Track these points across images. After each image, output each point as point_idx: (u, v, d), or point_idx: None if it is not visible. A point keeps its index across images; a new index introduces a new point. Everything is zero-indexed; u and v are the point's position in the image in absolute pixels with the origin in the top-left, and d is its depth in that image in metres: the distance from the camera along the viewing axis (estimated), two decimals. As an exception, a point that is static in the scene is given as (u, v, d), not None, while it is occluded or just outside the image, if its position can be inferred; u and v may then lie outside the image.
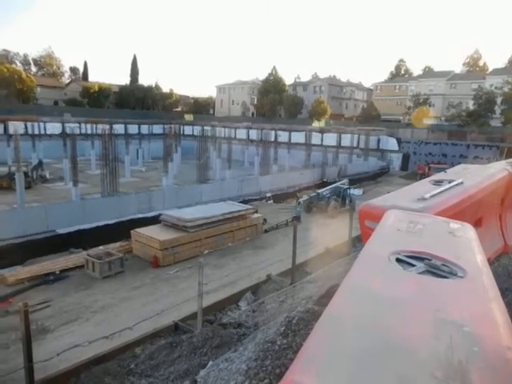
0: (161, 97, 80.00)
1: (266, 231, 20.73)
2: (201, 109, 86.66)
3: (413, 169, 41.89)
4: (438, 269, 2.21)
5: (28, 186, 25.88)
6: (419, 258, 2.35)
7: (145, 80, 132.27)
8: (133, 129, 48.98)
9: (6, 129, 41.31)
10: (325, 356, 1.34)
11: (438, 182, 5.27)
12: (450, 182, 5.10)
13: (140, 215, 19.84)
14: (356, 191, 28.89)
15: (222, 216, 18.43)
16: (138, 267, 15.59)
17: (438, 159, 41.81)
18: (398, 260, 2.28)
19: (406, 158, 44.80)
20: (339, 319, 1.59)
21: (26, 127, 40.97)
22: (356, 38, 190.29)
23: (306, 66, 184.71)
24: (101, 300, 12.63)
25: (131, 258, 16.24)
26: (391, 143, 45.98)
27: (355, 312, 1.65)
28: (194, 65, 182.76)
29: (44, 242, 16.46)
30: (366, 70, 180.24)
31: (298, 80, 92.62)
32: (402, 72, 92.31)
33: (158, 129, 52.75)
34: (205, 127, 38.13)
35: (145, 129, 53.31)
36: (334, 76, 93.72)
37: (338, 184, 26.70)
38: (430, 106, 66.36)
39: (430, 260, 2.31)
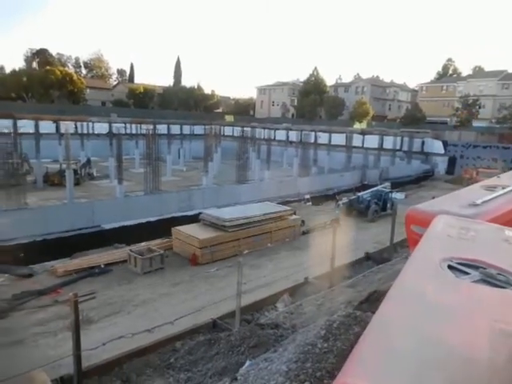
0: (202, 98, 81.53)
1: (303, 233, 20.57)
2: (241, 110, 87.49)
3: (459, 173, 40.02)
4: (493, 278, 2.10)
5: (77, 183, 27.18)
6: (473, 266, 2.24)
7: (187, 81, 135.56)
8: (175, 129, 50.17)
9: (57, 128, 43.66)
10: (377, 360, 1.31)
11: (491, 188, 5.00)
12: (503, 188, 4.83)
13: (180, 213, 20.30)
14: (398, 195, 27.98)
15: (261, 216, 18.49)
16: (177, 264, 15.95)
17: (487, 163, 39.72)
18: (450, 267, 2.19)
19: (452, 162, 42.89)
20: (390, 324, 1.54)
21: (76, 127, 43.05)
22: (402, 37, 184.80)
23: (348, 66, 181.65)
24: (141, 294, 13.05)
25: (171, 255, 16.64)
26: (436, 146, 44.19)
27: (407, 318, 1.60)
28: (236, 66, 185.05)
29: (90, 237, 17.23)
30: (410, 70, 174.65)
31: (339, 81, 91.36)
32: (450, 72, 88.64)
33: (199, 129, 53.76)
34: (245, 128, 38.44)
35: (186, 129, 54.51)
36: (377, 76, 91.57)
37: (379, 187, 26.03)
38: (479, 107, 63.20)
39: (484, 269, 2.20)
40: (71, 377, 5.83)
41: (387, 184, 27.31)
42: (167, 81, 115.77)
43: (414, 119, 65.26)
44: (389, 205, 24.33)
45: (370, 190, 25.53)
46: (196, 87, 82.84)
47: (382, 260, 13.80)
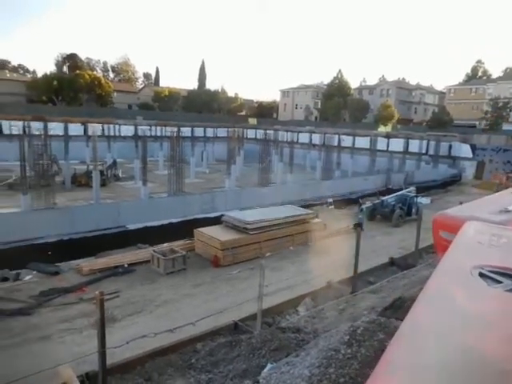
0: (226, 101, 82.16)
1: (326, 237, 20.36)
2: (264, 113, 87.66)
3: (488, 178, 38.76)
4: (528, 287, 2.00)
5: (103, 184, 27.80)
6: (506, 274, 2.15)
7: (212, 84, 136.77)
8: (199, 132, 50.75)
9: (85, 130, 44.94)
10: (407, 368, 1.27)
11: (523, 193, 4.81)
12: (537, 194, 4.63)
13: (203, 215, 20.46)
14: (423, 200, 27.35)
15: (283, 219, 18.42)
16: (199, 265, 16.07)
17: (518, 168, 38.35)
18: (482, 275, 2.11)
19: (480, 166, 41.58)
20: (421, 332, 1.50)
21: (103, 129, 44.19)
22: (430, 38, 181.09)
23: (373, 69, 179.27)
24: (164, 295, 13.20)
25: (193, 256, 16.77)
26: (464, 150, 42.95)
27: (438, 325, 1.55)
28: (260, 69, 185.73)
29: (115, 237, 17.59)
30: (438, 72, 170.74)
31: (363, 83, 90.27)
32: (480, 74, 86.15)
33: (222, 132, 54.20)
34: (267, 131, 38.49)
35: (210, 132, 55.04)
36: (403, 79, 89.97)
37: (404, 192, 25.52)
38: (510, 110, 61.14)
39: (518, 277, 2.10)
40: (96, 373, 5.95)
41: (412, 188, 26.73)
42: (192, 84, 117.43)
43: (440, 122, 63.73)
44: (414, 210, 23.81)
45: (394, 195, 25.07)
46: (220, 90, 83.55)
47: (406, 266, 13.51)
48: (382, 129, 59.71)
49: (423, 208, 23.78)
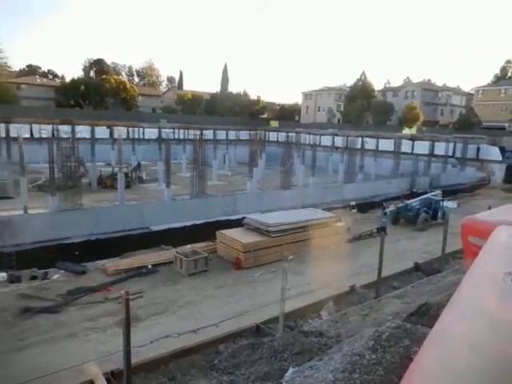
0: (248, 104, 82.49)
1: (348, 241, 20.13)
2: (286, 115, 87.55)
3: (518, 181, 37.43)
4: None
5: (127, 186, 28.38)
6: (540, 281, 2.07)
7: (234, 87, 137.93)
8: (221, 134, 51.18)
9: (111, 133, 46.06)
10: (438, 375, 1.24)
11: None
12: None
13: (225, 217, 20.58)
14: (450, 204, 26.67)
15: (305, 222, 18.32)
16: (220, 267, 16.17)
17: (550, 172, 36.89)
18: (515, 281, 2.04)
19: (510, 170, 40.19)
20: (451, 339, 1.46)
21: (127, 132, 45.17)
22: (457, 38, 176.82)
23: (398, 70, 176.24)
24: (186, 296, 13.33)
25: (215, 258, 16.88)
26: (493, 152, 41.60)
27: (469, 333, 1.51)
28: (282, 72, 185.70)
29: (139, 237, 17.90)
30: (465, 73, 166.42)
31: (388, 85, 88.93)
32: (509, 74, 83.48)
33: (244, 135, 54.45)
34: (289, 133, 38.39)
35: (232, 135, 55.44)
36: (429, 80, 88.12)
37: (429, 195, 24.96)
38: (542, 111, 58.94)
39: (554, 284, 2.02)
40: (121, 371, 6.07)
41: (438, 192, 26.11)
42: (214, 87, 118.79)
43: (468, 124, 62.00)
44: (439, 214, 23.28)
45: (419, 198, 24.56)
46: (242, 93, 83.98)
47: (432, 271, 13.18)
48: (406, 131, 58.61)
49: (449, 212, 23.30)
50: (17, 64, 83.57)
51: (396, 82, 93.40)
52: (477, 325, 1.57)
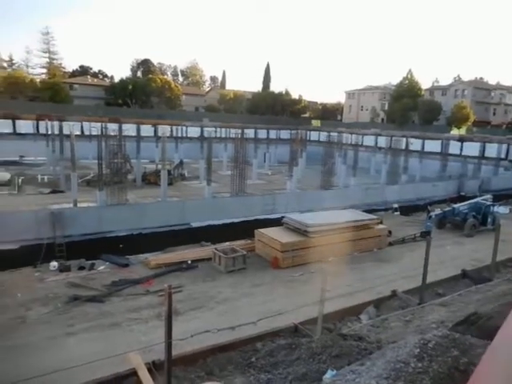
0: (290, 103, 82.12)
1: (390, 244, 19.57)
2: (328, 115, 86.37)
3: None
4: None
5: (170, 183, 29.09)
6: None
7: (276, 87, 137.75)
8: (262, 133, 51.33)
9: (155, 132, 47.49)
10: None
11: None
12: None
13: (263, 216, 20.63)
14: (501, 209, 25.25)
15: (344, 224, 17.99)
16: (258, 266, 16.24)
17: None
18: None
19: None
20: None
21: (171, 130, 46.35)
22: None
23: (447, 68, 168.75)
24: (224, 292, 13.51)
25: (253, 256, 16.98)
26: (552, 155, 38.90)
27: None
28: (324, 71, 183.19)
29: (180, 233, 18.34)
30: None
31: (436, 83, 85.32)
32: None
33: (285, 134, 54.33)
34: (331, 133, 37.84)
35: (273, 134, 55.48)
36: (481, 78, 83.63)
37: (478, 199, 23.73)
38: None
39: None
40: (162, 362, 6.24)
41: (488, 196, 24.77)
42: (256, 86, 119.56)
43: (523, 125, 58.22)
44: (489, 219, 22.11)
45: (467, 202, 23.44)
46: (284, 92, 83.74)
47: (480, 279, 12.51)
48: (455, 131, 55.98)
49: (501, 218, 22.02)
50: (70, 65, 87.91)
51: (445, 81, 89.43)
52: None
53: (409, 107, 66.01)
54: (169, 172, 29.99)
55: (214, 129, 48.12)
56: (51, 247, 15.29)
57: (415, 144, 41.82)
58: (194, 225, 19.08)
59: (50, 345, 9.71)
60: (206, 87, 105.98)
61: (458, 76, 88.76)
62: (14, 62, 78.44)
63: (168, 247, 17.33)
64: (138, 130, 37.03)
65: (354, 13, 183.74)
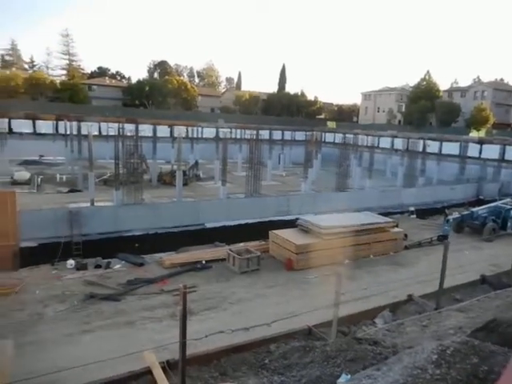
0: (305, 104, 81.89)
1: (406, 247, 19.31)
2: (344, 116, 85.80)
3: None
4: None
5: (185, 183, 29.26)
6: None
7: (291, 88, 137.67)
8: (277, 135, 51.26)
9: (171, 132, 47.90)
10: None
11: None
12: None
13: (278, 217, 20.58)
14: (522, 213, 24.64)
15: (359, 226, 17.83)
16: (272, 267, 16.21)
17: None
18: None
19: None
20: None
21: (187, 131, 46.69)
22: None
23: (467, 69, 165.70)
24: (238, 293, 13.53)
25: (267, 258, 16.96)
26: None
27: None
28: (340, 72, 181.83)
29: (194, 233, 18.44)
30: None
31: (454, 85, 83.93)
32: None
33: (300, 135, 54.09)
34: (347, 135, 37.53)
35: (288, 135, 55.32)
36: (501, 79, 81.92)
37: (498, 203, 23.24)
38: None
39: None
40: (176, 362, 6.28)
41: (508, 200, 24.22)
42: (272, 87, 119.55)
43: (546, 127, 56.70)
44: (510, 224, 21.63)
45: (487, 206, 22.98)
46: (299, 93, 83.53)
47: (500, 285, 12.22)
48: (474, 134, 54.84)
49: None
50: (89, 66, 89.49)
51: (465, 82, 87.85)
52: None
53: (426, 109, 65.03)
54: (184, 172, 30.20)
55: (229, 130, 48.27)
56: (68, 245, 15.55)
57: (433, 146, 41.11)
58: (209, 225, 19.16)
59: (66, 341, 9.87)
60: (222, 88, 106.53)
61: (478, 77, 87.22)
62: (35, 63, 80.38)
63: (182, 247, 17.44)
64: (155, 130, 37.48)
65: (371, 13, 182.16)
